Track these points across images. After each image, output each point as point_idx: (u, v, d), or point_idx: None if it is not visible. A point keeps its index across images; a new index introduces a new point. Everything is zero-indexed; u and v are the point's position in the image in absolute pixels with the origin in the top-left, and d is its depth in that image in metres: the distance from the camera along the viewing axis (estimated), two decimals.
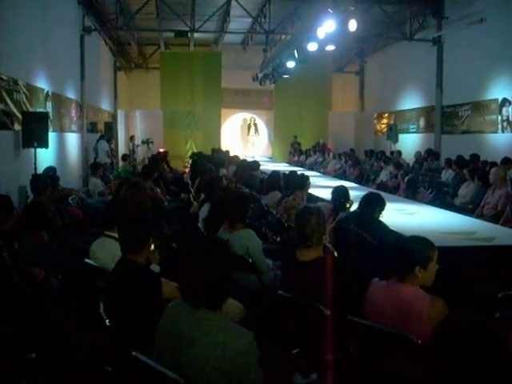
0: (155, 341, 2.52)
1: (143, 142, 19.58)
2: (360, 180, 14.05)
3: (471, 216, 7.55)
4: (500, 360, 1.68)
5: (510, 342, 2.51)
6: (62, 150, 13.17)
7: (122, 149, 21.14)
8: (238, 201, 4.84)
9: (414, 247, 3.13)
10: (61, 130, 13.10)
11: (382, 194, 9.50)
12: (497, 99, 13.58)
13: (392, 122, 20.06)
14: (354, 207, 5.56)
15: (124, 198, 5.58)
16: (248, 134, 17.38)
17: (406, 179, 10.50)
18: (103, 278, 3.70)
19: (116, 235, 3.77)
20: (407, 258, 3.08)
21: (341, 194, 5.87)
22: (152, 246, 3.92)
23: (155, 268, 4.12)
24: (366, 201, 5.12)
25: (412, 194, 9.47)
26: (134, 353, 2.49)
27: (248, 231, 4.76)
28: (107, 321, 3.06)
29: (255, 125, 18.15)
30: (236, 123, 23.76)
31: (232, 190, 6.22)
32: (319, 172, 15.05)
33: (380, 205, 5.10)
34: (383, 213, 5.05)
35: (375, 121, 22.26)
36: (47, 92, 11.70)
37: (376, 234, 4.61)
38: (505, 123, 13.32)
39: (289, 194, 7.18)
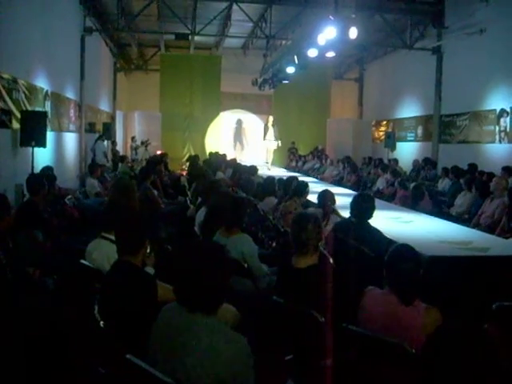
0: (149, 344, 2.52)
1: (142, 143, 19.62)
2: (357, 187, 14.06)
3: (467, 226, 7.56)
4: (489, 370, 1.68)
5: (501, 352, 2.52)
6: (59, 150, 13.15)
7: (120, 150, 21.10)
8: (235, 205, 4.84)
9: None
10: (59, 129, 13.08)
11: (379, 201, 9.59)
12: (495, 110, 13.62)
13: (390, 129, 20.10)
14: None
15: (113, 200, 5.58)
16: (264, 139, 16.46)
17: (411, 186, 10.59)
18: (99, 280, 3.70)
19: (113, 237, 3.77)
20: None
21: (327, 198, 5.97)
22: (148, 249, 3.93)
23: (150, 270, 4.11)
24: (359, 207, 5.17)
25: (416, 202, 9.50)
26: (127, 355, 2.49)
27: (244, 236, 4.76)
28: (102, 322, 3.05)
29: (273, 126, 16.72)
30: (229, 125, 23.39)
31: (229, 194, 6.22)
32: (316, 178, 15.06)
33: (372, 207, 5.19)
34: (379, 221, 5.07)
35: (373, 128, 22.30)
36: (46, 91, 11.69)
37: (373, 245, 4.62)
38: (502, 134, 13.36)
39: (286, 199, 7.18)
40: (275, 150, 17.02)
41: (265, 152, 20.91)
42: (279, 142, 16.55)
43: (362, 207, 5.15)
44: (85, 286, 4.04)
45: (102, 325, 3.04)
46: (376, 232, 5.08)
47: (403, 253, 3.15)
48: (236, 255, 4.52)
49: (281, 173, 13.75)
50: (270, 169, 15.50)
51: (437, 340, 1.80)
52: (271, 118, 16.30)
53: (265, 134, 16.44)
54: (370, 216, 5.16)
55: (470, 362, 1.67)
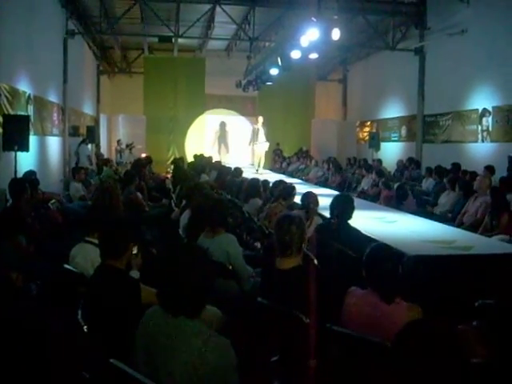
0: (133, 348, 2.51)
1: (126, 146, 19.56)
2: (342, 188, 14.11)
3: (451, 225, 7.62)
4: (460, 371, 1.69)
5: (477, 352, 2.54)
6: (43, 154, 13.06)
7: (104, 153, 20.99)
8: (218, 206, 4.87)
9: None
10: (42, 133, 12.99)
11: (363, 202, 9.65)
12: (477, 109, 13.76)
13: (374, 130, 20.23)
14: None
15: (96, 204, 5.55)
16: (255, 141, 15.14)
17: (395, 186, 10.67)
18: (82, 284, 3.67)
19: (96, 241, 3.75)
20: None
21: (310, 200, 6.01)
22: (135, 250, 3.92)
23: (135, 274, 4.10)
24: (339, 208, 5.23)
25: (400, 202, 9.58)
26: (111, 360, 2.48)
27: (228, 236, 4.79)
28: (85, 327, 3.03)
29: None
30: (213, 127, 23.11)
31: (211, 195, 6.22)
32: (301, 179, 15.07)
33: (351, 207, 5.25)
34: (364, 221, 5.10)
35: (357, 129, 22.40)
36: (29, 95, 11.60)
37: (354, 245, 4.65)
38: (485, 133, 13.50)
39: (272, 200, 7.19)
40: (266, 152, 16.09)
41: (251, 155, 20.75)
42: (268, 143, 15.65)
43: (342, 208, 5.21)
44: (68, 291, 4.02)
45: (85, 329, 3.03)
46: (356, 232, 5.13)
47: (380, 253, 3.18)
48: (221, 255, 4.54)
49: (266, 175, 13.68)
50: (262, 173, 14.22)
51: (404, 337, 1.81)
52: (261, 119, 15.35)
53: (255, 136, 15.33)
54: (350, 217, 5.22)
55: (437, 363, 1.67)
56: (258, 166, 15.22)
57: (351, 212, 5.22)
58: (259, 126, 15.14)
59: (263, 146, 15.28)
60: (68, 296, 3.97)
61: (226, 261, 4.58)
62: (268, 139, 15.40)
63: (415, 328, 1.82)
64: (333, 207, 5.30)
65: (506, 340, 2.57)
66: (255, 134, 15.24)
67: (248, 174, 11.44)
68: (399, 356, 1.75)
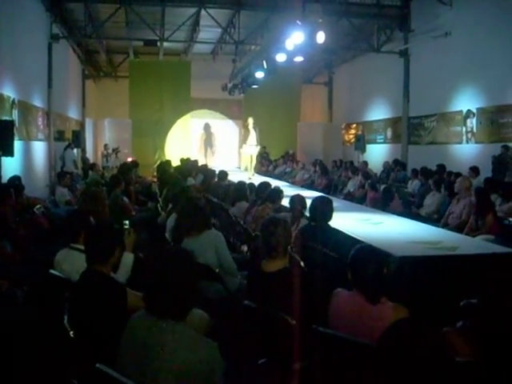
0: (119, 352, 2.50)
1: (113, 150, 19.49)
2: (328, 190, 14.15)
3: (436, 226, 7.66)
4: (444, 371, 1.71)
5: (461, 351, 2.56)
6: (28, 159, 12.99)
7: (90, 157, 20.91)
8: (202, 209, 4.89)
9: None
10: (27, 138, 12.92)
11: (349, 203, 9.69)
12: (461, 111, 13.88)
13: (360, 132, 20.32)
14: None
15: (82, 209, 5.52)
16: (245, 143, 14.42)
17: (382, 188, 10.75)
18: (68, 289, 3.65)
19: (82, 247, 3.73)
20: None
21: (298, 203, 6.03)
22: (128, 233, 3.99)
23: (129, 256, 4.13)
24: (319, 211, 5.28)
25: (387, 203, 9.64)
26: (97, 365, 2.47)
27: (214, 231, 4.91)
28: (72, 332, 3.02)
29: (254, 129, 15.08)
30: (198, 131, 23.22)
31: (193, 198, 6.22)
32: (288, 182, 15.09)
33: (331, 209, 5.30)
34: (350, 223, 5.12)
35: (343, 131, 22.50)
36: (13, 100, 11.53)
37: (336, 246, 4.69)
38: (469, 134, 13.62)
39: (259, 203, 7.19)
40: (257, 156, 15.52)
41: (238, 157, 20.60)
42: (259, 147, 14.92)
43: (321, 210, 5.24)
44: (54, 296, 3.99)
45: (72, 335, 3.01)
46: (338, 233, 5.16)
47: (365, 254, 3.20)
48: (209, 249, 4.63)
49: (254, 178, 13.55)
50: (250, 177, 13.49)
51: (387, 336, 1.82)
52: (251, 120, 14.45)
53: (245, 139, 14.57)
54: (330, 218, 5.26)
55: (420, 361, 1.69)
56: (249, 169, 14.56)
57: (331, 213, 5.28)
58: (249, 127, 14.44)
59: (254, 148, 14.64)
60: (54, 301, 3.95)
61: (214, 255, 4.65)
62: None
63: (400, 328, 1.83)
64: (312, 210, 5.35)
65: (490, 339, 2.59)
66: (247, 136, 14.53)
67: (238, 177, 11.36)
68: (384, 356, 1.76)
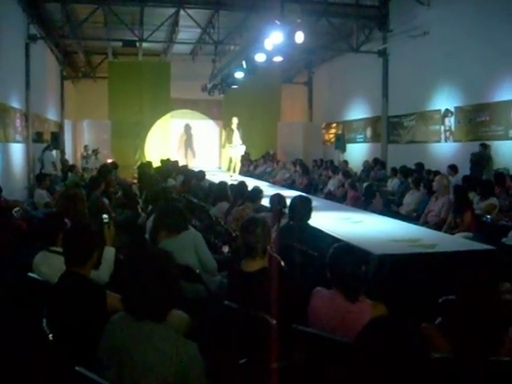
0: (99, 355, 2.49)
1: (92, 152, 19.37)
2: (309, 189, 14.18)
3: (416, 224, 7.73)
4: (421, 367, 1.72)
5: (438, 347, 2.59)
6: (6, 161, 12.84)
7: (69, 159, 20.73)
8: (178, 210, 4.90)
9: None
10: (5, 140, 12.78)
11: (330, 203, 9.72)
12: (440, 110, 14.02)
13: (340, 131, 20.42)
14: None
15: (60, 211, 5.47)
16: (229, 143, 14.50)
17: (364, 186, 10.82)
18: (47, 292, 3.62)
19: (60, 250, 3.70)
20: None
21: (277, 202, 6.05)
22: (106, 219, 3.98)
23: (110, 250, 4.11)
24: (298, 210, 5.32)
25: (369, 201, 9.72)
26: (77, 368, 2.45)
27: (192, 230, 4.93)
28: (51, 335, 3.00)
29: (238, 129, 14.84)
30: (178, 131, 23.12)
31: (172, 200, 6.21)
32: (268, 182, 15.10)
33: (310, 208, 5.33)
34: (330, 222, 5.15)
35: (323, 131, 22.59)
36: None
37: (316, 245, 4.71)
38: (447, 133, 13.76)
39: (239, 203, 7.19)
40: (242, 156, 15.57)
41: (218, 158, 20.52)
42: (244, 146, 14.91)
43: (300, 209, 5.27)
44: (33, 299, 3.96)
45: (50, 337, 2.99)
46: (317, 232, 5.19)
47: (342, 252, 3.22)
48: (189, 247, 4.65)
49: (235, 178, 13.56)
50: (232, 175, 13.87)
51: (364, 334, 1.83)
52: (235, 120, 14.46)
53: (228, 139, 14.60)
54: (309, 217, 5.29)
55: (397, 357, 1.70)
56: (234, 171, 14.75)
57: (309, 212, 5.31)
58: (234, 127, 14.56)
59: (239, 149, 14.76)
60: (32, 304, 3.92)
61: (193, 255, 4.66)
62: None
63: (377, 325, 1.85)
64: (291, 209, 5.37)
65: (467, 335, 2.62)
66: (230, 135, 14.58)
67: (219, 178, 11.31)
68: (362, 353, 1.77)
